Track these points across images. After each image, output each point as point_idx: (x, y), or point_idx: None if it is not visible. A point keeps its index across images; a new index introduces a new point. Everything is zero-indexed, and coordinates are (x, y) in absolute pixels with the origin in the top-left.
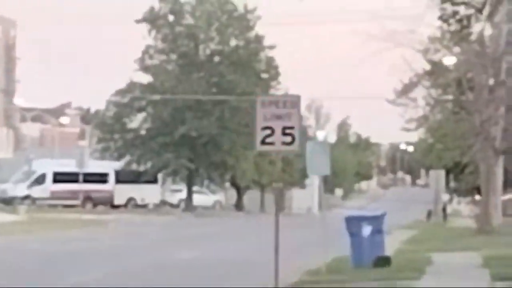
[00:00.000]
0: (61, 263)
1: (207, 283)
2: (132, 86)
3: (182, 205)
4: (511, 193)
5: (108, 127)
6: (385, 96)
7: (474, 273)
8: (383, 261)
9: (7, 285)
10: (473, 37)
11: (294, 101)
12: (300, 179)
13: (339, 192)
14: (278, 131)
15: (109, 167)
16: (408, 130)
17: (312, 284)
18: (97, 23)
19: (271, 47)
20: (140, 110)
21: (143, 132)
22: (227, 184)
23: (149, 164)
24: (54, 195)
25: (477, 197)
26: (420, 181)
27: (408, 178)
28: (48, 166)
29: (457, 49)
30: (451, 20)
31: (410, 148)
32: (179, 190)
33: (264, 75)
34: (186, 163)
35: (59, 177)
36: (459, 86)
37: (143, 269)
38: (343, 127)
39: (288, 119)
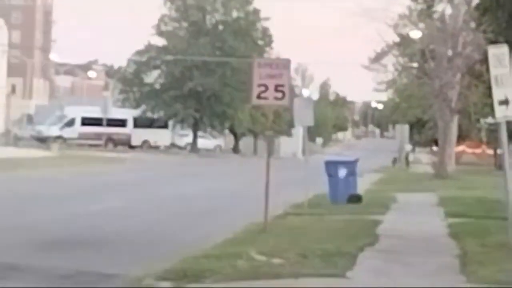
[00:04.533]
0: (85, 192)
1: (206, 212)
2: (149, 47)
3: (188, 147)
4: (463, 145)
5: (128, 81)
6: (361, 62)
7: (431, 210)
8: (356, 198)
9: (41, 210)
10: (436, 15)
11: (285, 64)
12: (287, 129)
13: (319, 140)
14: (271, 88)
15: (128, 114)
16: (378, 91)
17: (295, 215)
18: None
19: (266, 19)
20: (155, 68)
21: (157, 86)
22: (226, 131)
23: (161, 113)
24: (82, 136)
25: (435, 148)
26: (387, 134)
27: (377, 131)
28: (77, 112)
29: (422, 25)
30: (419, 0)
31: (380, 106)
32: (186, 135)
33: (260, 42)
34: (192, 112)
35: (86, 121)
36: (422, 56)
37: (154, 200)
38: (324, 87)
39: (279, 78)
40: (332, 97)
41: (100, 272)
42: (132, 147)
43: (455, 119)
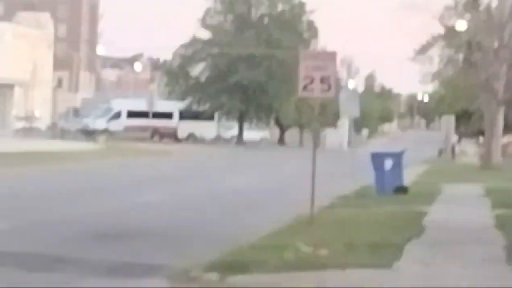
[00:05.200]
0: (132, 185)
1: (253, 204)
2: (194, 40)
3: (234, 140)
4: (509, 136)
5: (174, 74)
6: (406, 54)
7: (478, 201)
8: (402, 190)
9: (89, 202)
10: (482, 7)
11: (331, 56)
12: (333, 121)
13: (365, 132)
14: (317, 80)
15: (174, 107)
16: (424, 82)
17: (342, 207)
18: None
19: (311, 11)
20: (201, 61)
21: (202, 79)
22: (272, 123)
23: (207, 105)
24: (128, 129)
25: (481, 139)
26: (433, 125)
27: (423, 122)
28: (123, 105)
29: (468, 16)
30: None
31: (426, 98)
32: (232, 127)
33: (305, 35)
34: (238, 105)
35: (132, 114)
36: (469, 47)
37: (202, 191)
38: (369, 79)
39: (325, 70)
40: (377, 89)
41: (147, 264)
42: (178, 139)
43: (502, 110)
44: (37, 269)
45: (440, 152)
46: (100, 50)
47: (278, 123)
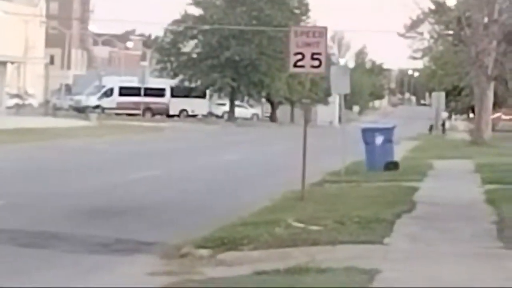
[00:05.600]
0: (124, 161)
1: (244, 181)
2: (186, 17)
3: (226, 116)
4: (499, 112)
5: (165, 51)
6: (396, 30)
7: (468, 177)
8: (393, 166)
9: (81, 179)
10: None
11: (321, 32)
12: (324, 97)
13: (356, 108)
14: (307, 56)
15: (165, 83)
16: (414, 58)
17: (332, 183)
18: None
19: None
20: (192, 37)
21: (194, 55)
22: (263, 100)
23: (199, 82)
24: (120, 106)
25: (471, 115)
26: (424, 101)
27: (413, 98)
28: (115, 82)
29: None
30: None
31: (416, 74)
32: (223, 104)
33: (296, 11)
34: (229, 81)
35: (124, 91)
36: (459, 23)
37: (193, 168)
38: (360, 55)
39: (316, 47)
40: (368, 65)
41: (139, 240)
42: (170, 116)
43: (491, 86)
44: (29, 245)
45: (431, 128)
46: (92, 27)
47: (269, 99)
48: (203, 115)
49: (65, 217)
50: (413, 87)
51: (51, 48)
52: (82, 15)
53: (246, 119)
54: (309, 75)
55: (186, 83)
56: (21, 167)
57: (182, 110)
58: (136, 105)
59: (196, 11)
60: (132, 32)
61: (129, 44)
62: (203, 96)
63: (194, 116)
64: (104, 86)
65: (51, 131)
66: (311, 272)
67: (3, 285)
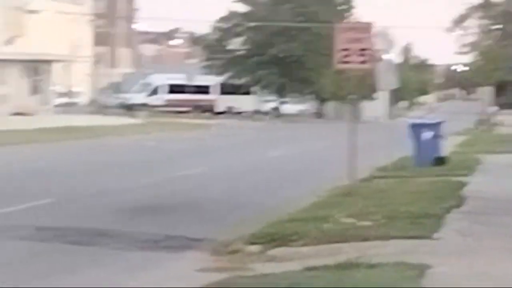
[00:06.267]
0: (172, 158)
1: (292, 177)
2: (232, 14)
3: (272, 113)
4: None
5: (212, 48)
6: (443, 25)
7: None
8: (440, 161)
9: (129, 176)
10: None
11: (367, 27)
12: (370, 93)
13: (402, 104)
14: (354, 52)
15: (212, 81)
16: (462, 53)
17: (381, 178)
18: None
19: None
20: (239, 34)
21: (241, 52)
22: (310, 96)
23: (245, 79)
24: (168, 103)
25: None
26: (471, 96)
27: (461, 93)
28: (163, 80)
29: None
30: None
31: (463, 68)
32: (270, 100)
33: (341, 7)
34: (276, 78)
35: (172, 89)
36: (506, 18)
37: (240, 164)
38: (406, 50)
39: (362, 42)
40: (414, 61)
41: (188, 237)
42: (217, 113)
43: None
44: (78, 242)
45: (478, 122)
46: (138, 26)
47: (316, 96)
48: (250, 112)
49: (113, 214)
50: (461, 82)
51: (98, 47)
52: (128, 13)
53: (293, 115)
54: (356, 71)
55: (233, 80)
56: (70, 165)
57: (229, 107)
58: (183, 102)
59: (243, 8)
60: (178, 30)
61: (175, 42)
62: (249, 92)
63: (241, 113)
64: (151, 84)
65: (99, 129)
66: (361, 268)
67: (52, 283)
